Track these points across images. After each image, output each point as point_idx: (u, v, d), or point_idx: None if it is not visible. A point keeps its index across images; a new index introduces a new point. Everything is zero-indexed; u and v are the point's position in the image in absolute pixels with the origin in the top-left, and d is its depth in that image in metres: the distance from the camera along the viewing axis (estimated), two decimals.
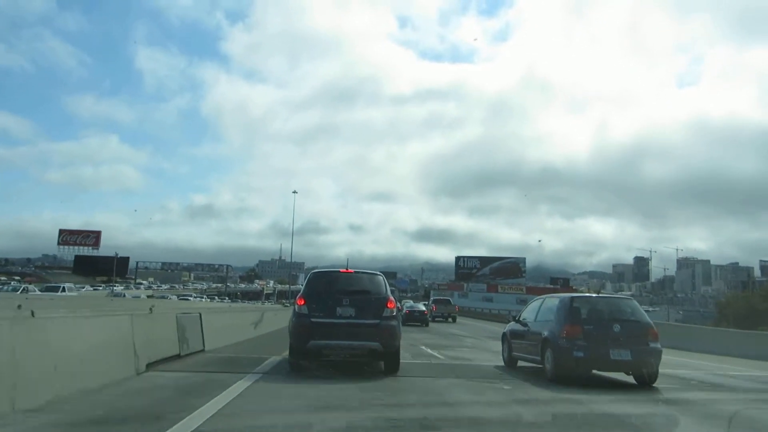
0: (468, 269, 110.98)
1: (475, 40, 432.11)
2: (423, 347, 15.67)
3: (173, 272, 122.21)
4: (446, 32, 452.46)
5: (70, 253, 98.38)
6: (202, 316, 11.07)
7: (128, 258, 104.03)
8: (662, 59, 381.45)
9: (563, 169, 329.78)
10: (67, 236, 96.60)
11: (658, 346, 9.15)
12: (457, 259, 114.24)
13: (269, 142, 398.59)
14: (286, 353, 9.39)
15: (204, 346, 10.93)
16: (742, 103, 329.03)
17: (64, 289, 34.91)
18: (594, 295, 12.05)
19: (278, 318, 23.75)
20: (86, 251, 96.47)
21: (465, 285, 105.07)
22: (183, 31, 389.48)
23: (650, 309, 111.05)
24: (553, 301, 10.12)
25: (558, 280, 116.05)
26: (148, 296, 66.34)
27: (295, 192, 68.39)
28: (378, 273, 9.72)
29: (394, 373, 9.04)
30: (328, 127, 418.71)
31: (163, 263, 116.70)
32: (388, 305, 8.99)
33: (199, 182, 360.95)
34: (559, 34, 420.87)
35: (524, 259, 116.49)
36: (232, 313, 15.20)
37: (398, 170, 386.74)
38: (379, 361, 9.41)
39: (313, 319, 8.70)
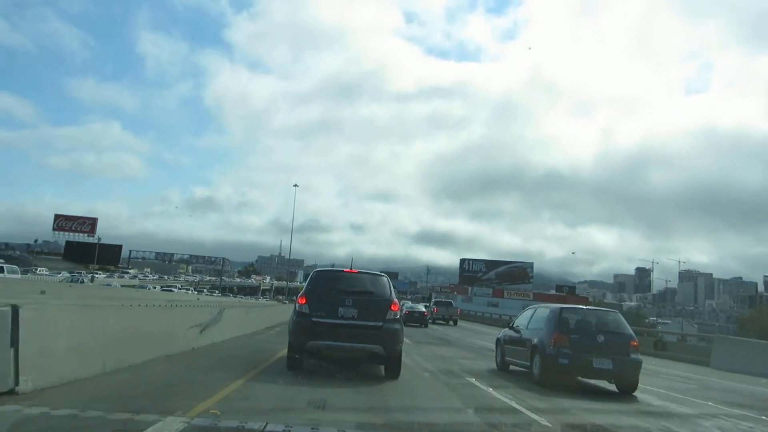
0: (473, 272, 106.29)
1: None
2: (476, 382, 9.50)
3: (170, 264, 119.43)
4: (453, 29, 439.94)
5: (66, 239, 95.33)
6: (23, 314, 5.05)
7: (121, 246, 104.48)
8: (671, 64, 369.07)
9: (566, 175, 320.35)
10: (62, 222, 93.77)
11: (639, 357, 9.63)
12: (462, 261, 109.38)
13: (271, 136, 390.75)
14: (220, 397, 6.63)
15: (17, 381, 4.93)
16: (750, 112, 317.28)
17: (2, 270, 29.00)
18: (583, 307, 12.10)
19: (252, 318, 17.88)
20: (82, 238, 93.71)
21: (470, 289, 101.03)
22: (186, 17, 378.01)
23: (661, 321, 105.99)
24: (544, 311, 10.63)
25: (563, 288, 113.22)
26: (130, 285, 60.39)
27: (296, 185, 65.03)
28: (383, 274, 9.46)
29: (395, 378, 8.72)
30: (331, 122, 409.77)
31: (157, 253, 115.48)
32: (392, 308, 8.72)
33: (200, 174, 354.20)
34: (566, 34, 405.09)
35: (532, 264, 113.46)
36: (155, 309, 9.12)
37: (400, 170, 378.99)
38: (379, 365, 9.13)
39: (313, 319, 8.43)
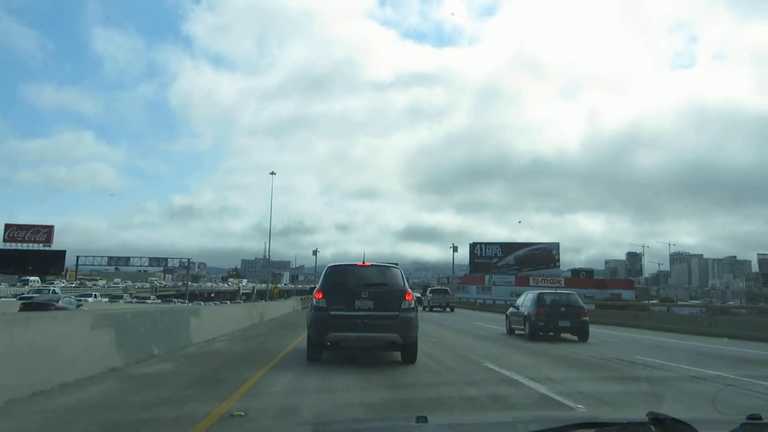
0: (486, 258, 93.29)
1: (453, 14, 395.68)
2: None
3: (143, 273, 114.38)
4: (429, 10, 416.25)
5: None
6: None
7: (64, 252, 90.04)
8: (656, 38, 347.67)
9: (552, 161, 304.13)
10: (14, 231, 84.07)
11: (587, 318, 15.97)
12: (473, 246, 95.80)
13: (246, 136, 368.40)
14: None
15: None
16: (737, 86, 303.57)
17: None
18: (554, 291, 18.92)
19: None
20: (37, 248, 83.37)
21: (486, 278, 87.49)
22: (140, 10, 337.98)
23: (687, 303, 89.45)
24: (532, 294, 16.95)
25: (580, 272, 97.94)
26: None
27: (272, 173, 62.48)
28: (395, 266, 10.02)
29: (411, 362, 9.31)
30: (307, 117, 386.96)
31: (110, 258, 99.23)
32: (406, 297, 9.23)
33: (177, 181, 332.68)
34: (547, 9, 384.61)
35: (557, 244, 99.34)
36: None
37: (382, 165, 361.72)
38: (396, 352, 9.67)
39: (332, 312, 8.93)
